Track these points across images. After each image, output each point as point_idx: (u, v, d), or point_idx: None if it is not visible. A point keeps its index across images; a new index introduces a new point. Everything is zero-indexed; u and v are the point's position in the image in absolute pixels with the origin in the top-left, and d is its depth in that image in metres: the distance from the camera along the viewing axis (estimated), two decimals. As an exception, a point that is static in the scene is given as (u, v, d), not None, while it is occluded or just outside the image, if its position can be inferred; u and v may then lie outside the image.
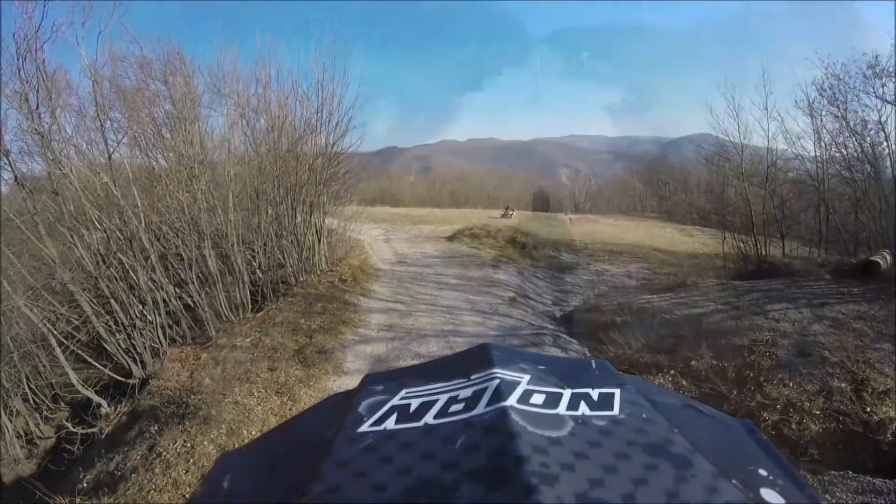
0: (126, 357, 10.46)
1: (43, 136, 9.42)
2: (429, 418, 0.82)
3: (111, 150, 10.85)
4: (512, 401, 0.81)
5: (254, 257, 13.90)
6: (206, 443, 7.21)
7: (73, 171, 10.07)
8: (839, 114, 17.31)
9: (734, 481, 0.68)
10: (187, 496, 6.31)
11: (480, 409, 0.80)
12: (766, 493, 0.69)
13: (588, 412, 0.81)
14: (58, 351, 9.38)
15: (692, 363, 8.83)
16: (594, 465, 0.67)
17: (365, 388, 0.97)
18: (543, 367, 0.97)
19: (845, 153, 17.62)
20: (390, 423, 0.83)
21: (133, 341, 10.63)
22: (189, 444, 7.25)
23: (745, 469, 0.74)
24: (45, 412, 10.51)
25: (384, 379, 1.01)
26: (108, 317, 10.53)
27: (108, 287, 10.49)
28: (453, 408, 0.83)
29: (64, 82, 10.77)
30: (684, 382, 8.46)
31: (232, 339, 10.92)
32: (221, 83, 14.01)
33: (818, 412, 7.16)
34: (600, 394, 0.87)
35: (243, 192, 13.92)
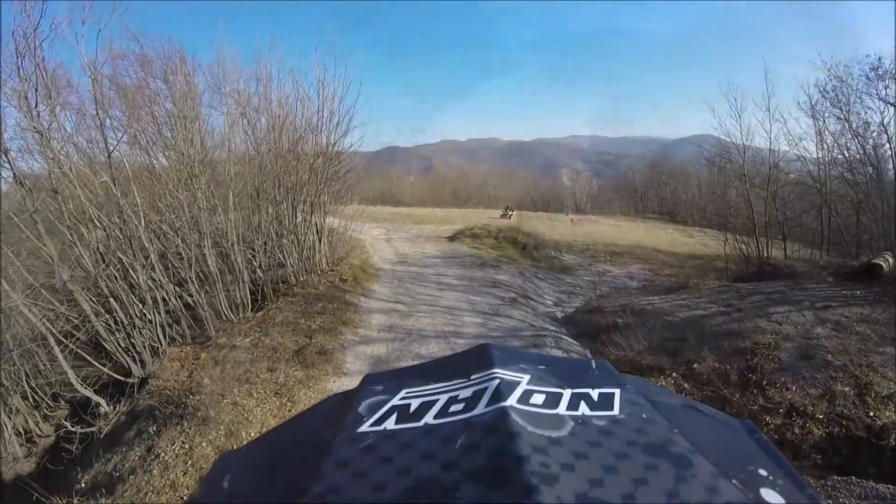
0: (125, 356, 10.43)
1: (42, 135, 9.38)
2: (429, 418, 0.82)
3: (111, 148, 10.81)
4: (512, 401, 0.81)
5: (254, 256, 13.88)
6: (204, 444, 7.17)
7: (73, 169, 10.03)
8: (842, 115, 17.34)
9: (734, 481, 0.68)
10: (185, 499, 6.27)
11: (480, 409, 0.80)
12: (766, 493, 0.70)
13: (588, 412, 0.81)
14: (56, 350, 9.34)
15: (694, 366, 8.80)
16: (594, 465, 0.67)
17: (365, 388, 0.98)
18: (543, 367, 0.97)
19: (847, 155, 17.65)
20: (390, 424, 0.83)
21: (132, 340, 10.59)
22: (187, 446, 7.20)
23: (745, 469, 0.74)
24: (44, 410, 10.49)
25: (384, 379, 1.01)
26: (107, 316, 10.50)
27: (108, 286, 10.46)
28: (453, 408, 0.84)
29: (64, 80, 10.74)
30: (686, 385, 8.42)
31: (231, 339, 10.89)
32: (222, 82, 14.02)
33: (821, 416, 7.12)
34: (600, 394, 0.88)
35: (244, 192, 13.91)
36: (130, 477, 6.82)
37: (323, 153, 14.99)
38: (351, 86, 15.06)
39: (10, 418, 9.61)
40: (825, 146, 18.03)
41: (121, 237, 10.66)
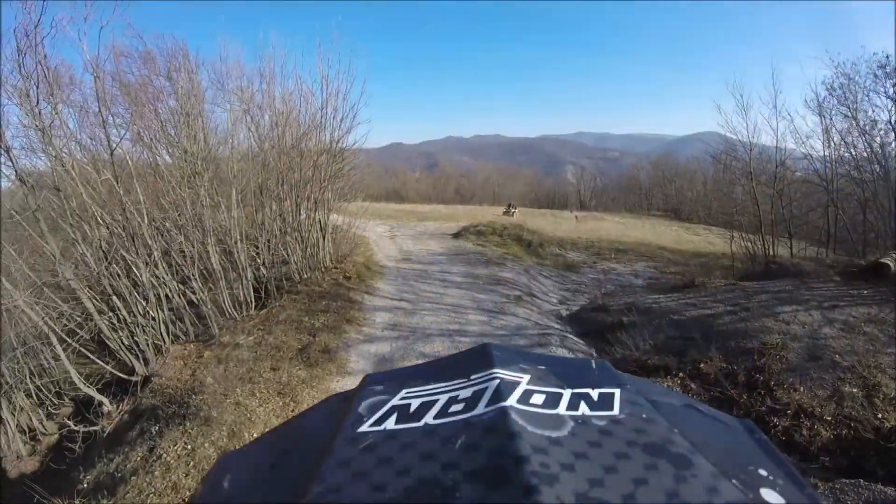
0: (129, 354, 10.43)
1: (44, 132, 9.35)
2: (429, 418, 0.83)
3: (114, 145, 10.78)
4: (512, 401, 0.82)
5: (257, 254, 13.86)
6: (206, 445, 7.12)
7: (76, 166, 10.02)
8: (849, 113, 17.27)
9: (734, 481, 0.69)
10: (187, 500, 6.24)
11: (480, 409, 0.81)
12: (766, 493, 0.70)
13: (588, 412, 0.82)
14: (59, 349, 9.33)
15: (701, 365, 8.72)
16: (594, 465, 0.68)
17: (365, 388, 0.99)
18: (543, 368, 0.98)
19: (854, 153, 17.59)
20: (390, 424, 0.84)
21: (136, 338, 10.59)
22: (189, 447, 7.15)
23: (745, 469, 0.75)
24: (48, 408, 10.51)
25: (384, 379, 1.03)
26: (110, 313, 10.49)
27: (111, 284, 10.45)
28: (453, 408, 0.84)
29: (67, 78, 10.73)
30: (693, 385, 8.35)
31: (235, 337, 10.86)
32: (225, 79, 13.98)
33: (829, 418, 7.03)
34: (600, 394, 0.88)
35: (247, 189, 13.89)
36: (132, 478, 6.78)
37: (327, 150, 14.94)
38: (355, 81, 15.00)
39: (13, 416, 9.62)
40: (832, 144, 17.99)
41: (124, 235, 10.65)
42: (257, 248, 13.89)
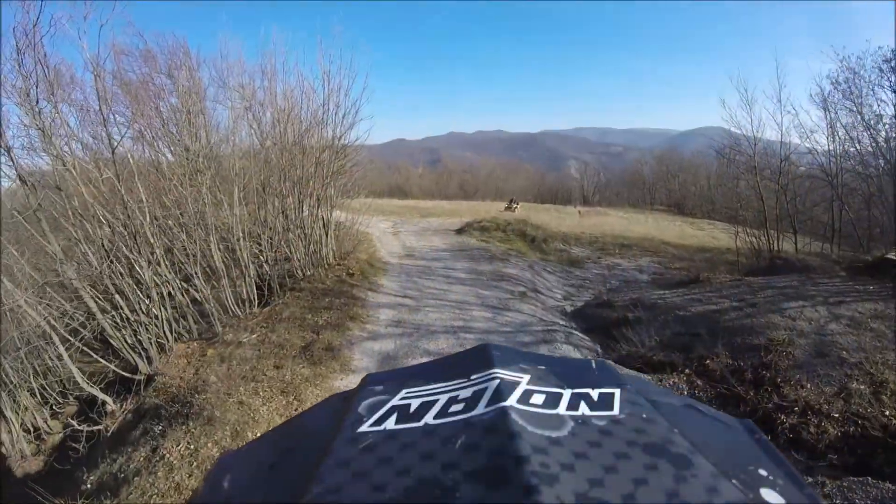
0: (132, 353, 10.41)
1: (45, 131, 9.32)
2: (429, 418, 0.83)
3: (115, 144, 10.73)
4: (512, 401, 0.82)
5: (260, 251, 13.83)
6: (209, 445, 7.09)
7: (77, 165, 9.98)
8: (854, 108, 17.15)
9: (734, 481, 0.69)
10: (187, 500, 6.22)
11: (480, 409, 0.81)
12: (766, 493, 0.70)
13: (588, 412, 0.82)
14: (61, 348, 9.32)
15: (707, 362, 8.69)
16: (594, 465, 0.68)
17: (365, 388, 0.99)
18: (543, 367, 0.98)
19: (859, 148, 17.51)
20: (390, 424, 0.84)
21: (139, 337, 10.58)
22: (192, 447, 7.12)
23: (745, 469, 0.75)
24: (53, 407, 10.52)
25: (384, 379, 1.03)
26: (113, 312, 10.48)
27: (114, 282, 10.44)
28: (453, 408, 0.84)
29: (67, 77, 10.67)
30: (700, 382, 8.31)
31: (238, 335, 10.84)
32: (226, 76, 13.95)
33: (837, 415, 6.97)
34: (600, 394, 0.88)
35: (249, 186, 13.85)
36: (135, 478, 6.76)
37: (329, 146, 14.89)
38: (357, 77, 14.94)
39: (18, 415, 9.62)
40: (837, 138, 17.89)
41: (126, 233, 10.62)
42: (260, 245, 13.86)
